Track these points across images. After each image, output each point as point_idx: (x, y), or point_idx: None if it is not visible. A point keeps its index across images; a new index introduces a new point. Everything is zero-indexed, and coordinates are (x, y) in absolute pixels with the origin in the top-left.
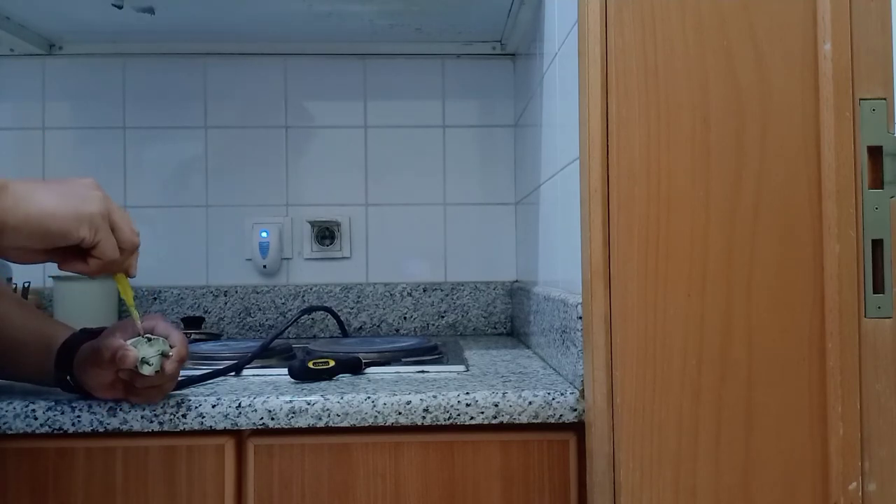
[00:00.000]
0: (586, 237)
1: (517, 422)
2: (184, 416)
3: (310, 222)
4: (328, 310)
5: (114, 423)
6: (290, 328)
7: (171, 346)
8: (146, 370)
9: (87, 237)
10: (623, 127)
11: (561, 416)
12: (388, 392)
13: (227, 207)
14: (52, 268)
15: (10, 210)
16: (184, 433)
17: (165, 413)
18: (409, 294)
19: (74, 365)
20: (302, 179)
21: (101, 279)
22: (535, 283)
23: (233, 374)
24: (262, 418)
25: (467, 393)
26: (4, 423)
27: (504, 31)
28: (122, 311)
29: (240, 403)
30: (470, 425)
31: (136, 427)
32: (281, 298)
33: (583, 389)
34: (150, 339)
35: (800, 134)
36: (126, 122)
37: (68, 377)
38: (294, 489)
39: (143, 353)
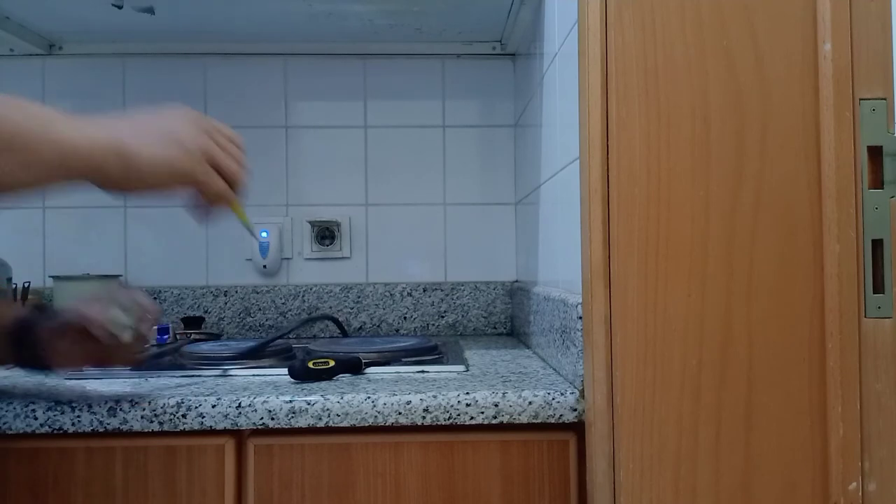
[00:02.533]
0: (586, 237)
1: (517, 422)
2: (184, 416)
3: (310, 222)
4: (333, 319)
5: (114, 423)
6: (286, 323)
7: (142, 310)
8: (127, 335)
9: (193, 183)
10: (623, 127)
11: (561, 416)
12: (388, 392)
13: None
14: (51, 268)
15: (130, 177)
16: (184, 433)
17: (165, 413)
18: (409, 294)
19: (37, 342)
20: (302, 179)
21: (101, 281)
22: (535, 283)
23: (236, 367)
24: (262, 418)
25: (467, 393)
26: (4, 423)
27: (504, 31)
28: None
29: (240, 403)
30: (470, 425)
31: (136, 427)
32: (281, 298)
33: (583, 389)
34: (123, 309)
35: (800, 134)
36: None
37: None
38: (294, 489)
39: (121, 320)
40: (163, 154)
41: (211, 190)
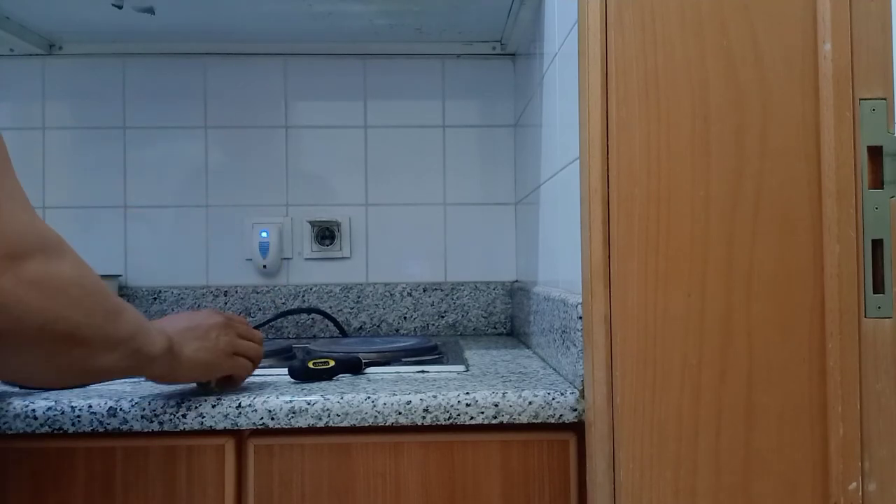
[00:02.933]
0: (586, 237)
1: (517, 422)
2: (184, 416)
3: (310, 222)
4: (323, 312)
5: (114, 423)
6: (286, 324)
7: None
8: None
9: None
10: (623, 127)
11: (561, 416)
12: (388, 392)
13: (227, 207)
14: None
15: (175, 370)
16: (184, 433)
17: (165, 413)
18: (409, 294)
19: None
20: (302, 179)
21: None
22: (535, 283)
23: None
24: (262, 418)
25: (467, 393)
26: (4, 423)
27: (504, 31)
28: None
29: (240, 403)
30: (470, 425)
31: (136, 427)
32: (281, 298)
33: (583, 389)
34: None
35: (800, 134)
36: (126, 122)
37: None
38: (294, 489)
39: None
40: (197, 354)
41: (236, 375)
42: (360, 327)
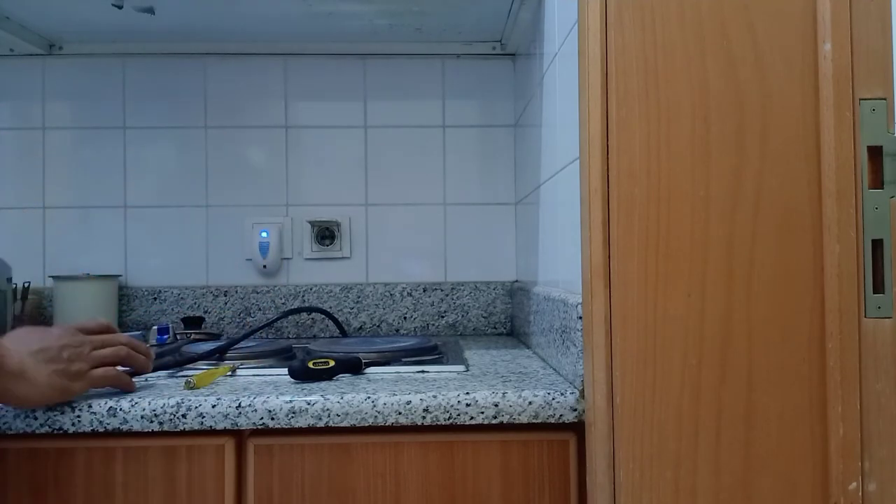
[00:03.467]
0: (586, 237)
1: (517, 422)
2: (184, 416)
3: (310, 222)
4: (324, 312)
5: (114, 423)
6: (286, 324)
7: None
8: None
9: (84, 391)
10: (623, 127)
11: (561, 416)
12: (388, 392)
13: (227, 207)
14: (51, 267)
15: (29, 395)
16: (184, 433)
17: (165, 413)
18: (409, 294)
19: None
20: (302, 179)
21: (101, 281)
22: (535, 283)
23: (216, 356)
24: (262, 418)
25: (467, 393)
26: (4, 423)
27: (504, 31)
28: (122, 311)
29: (240, 403)
30: (470, 425)
31: (136, 427)
32: (281, 298)
33: (583, 389)
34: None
35: (800, 134)
36: (126, 122)
37: None
38: (294, 489)
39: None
40: (51, 378)
41: (113, 385)
42: (360, 327)
